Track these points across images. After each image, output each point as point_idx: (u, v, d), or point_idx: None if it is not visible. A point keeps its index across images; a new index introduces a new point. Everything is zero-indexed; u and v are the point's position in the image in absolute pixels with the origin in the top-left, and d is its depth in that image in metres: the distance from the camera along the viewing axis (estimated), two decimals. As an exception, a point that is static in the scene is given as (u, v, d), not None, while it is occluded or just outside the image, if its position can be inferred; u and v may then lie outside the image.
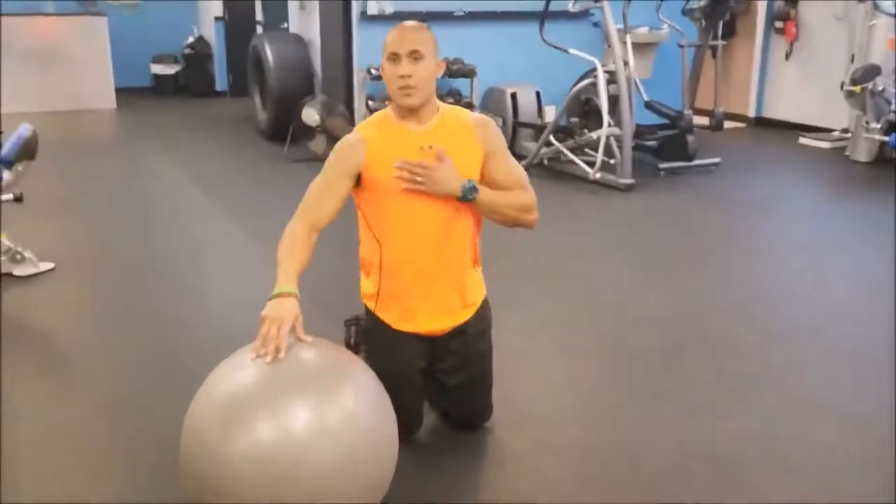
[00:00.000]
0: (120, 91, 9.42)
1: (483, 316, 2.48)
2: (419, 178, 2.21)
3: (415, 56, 2.19)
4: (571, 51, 5.96)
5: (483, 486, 2.37)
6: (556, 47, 5.95)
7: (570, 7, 5.88)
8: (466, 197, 2.24)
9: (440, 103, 2.37)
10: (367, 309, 2.44)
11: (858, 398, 2.81)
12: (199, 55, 10.53)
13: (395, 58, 2.20)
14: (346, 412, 1.88)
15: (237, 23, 9.81)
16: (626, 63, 5.92)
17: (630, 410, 2.74)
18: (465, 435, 2.54)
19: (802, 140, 7.51)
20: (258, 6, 9.13)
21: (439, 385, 2.50)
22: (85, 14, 9.64)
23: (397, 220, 2.30)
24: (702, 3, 6.30)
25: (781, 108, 8.39)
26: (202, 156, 7.09)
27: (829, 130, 7.51)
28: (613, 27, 5.86)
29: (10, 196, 5.35)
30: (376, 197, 2.29)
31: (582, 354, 3.21)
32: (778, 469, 2.37)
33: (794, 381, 2.96)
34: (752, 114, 8.63)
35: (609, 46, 6.01)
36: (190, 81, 10.62)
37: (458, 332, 2.42)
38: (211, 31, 10.46)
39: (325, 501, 1.79)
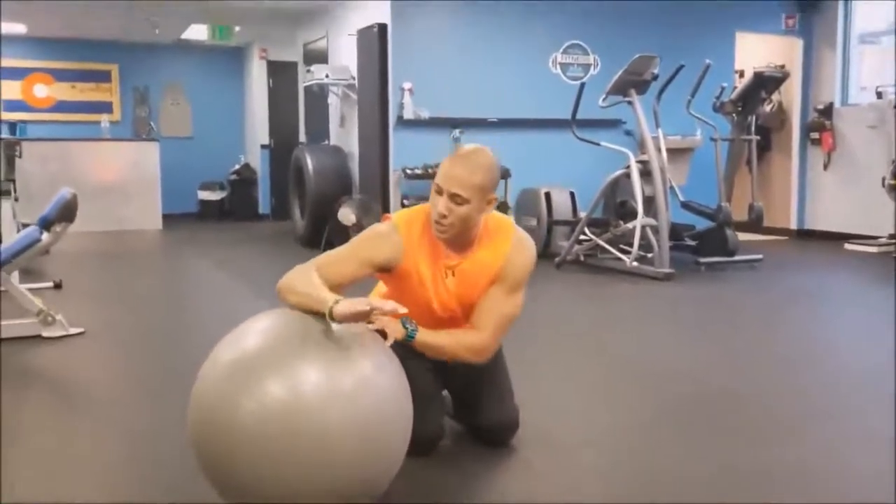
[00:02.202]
0: (165, 216, 9.69)
1: None
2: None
3: (456, 200, 2.11)
4: (603, 143, 6.03)
5: (505, 494, 2.26)
6: (587, 141, 6.02)
7: (601, 103, 5.97)
8: (410, 336, 2.13)
9: (489, 220, 2.25)
10: None
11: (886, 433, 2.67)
12: (244, 181, 10.85)
13: (438, 189, 2.13)
14: (360, 377, 1.81)
15: (282, 149, 10.18)
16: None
17: (663, 441, 2.66)
18: (491, 451, 2.45)
19: (848, 246, 7.38)
20: (302, 130, 9.51)
21: (459, 397, 2.46)
22: (139, 140, 10.12)
23: (407, 305, 2.17)
24: (732, 97, 6.37)
25: (824, 219, 8.29)
26: (240, 259, 7.18)
27: (876, 237, 7.37)
28: (649, 134, 5.84)
29: (49, 283, 5.45)
30: (395, 284, 2.27)
31: (618, 398, 3.16)
32: (809, 490, 2.26)
33: (824, 422, 2.87)
34: (794, 226, 8.54)
35: (642, 153, 6.01)
36: (234, 206, 10.89)
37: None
38: (257, 159, 10.86)
39: (331, 464, 1.71)
